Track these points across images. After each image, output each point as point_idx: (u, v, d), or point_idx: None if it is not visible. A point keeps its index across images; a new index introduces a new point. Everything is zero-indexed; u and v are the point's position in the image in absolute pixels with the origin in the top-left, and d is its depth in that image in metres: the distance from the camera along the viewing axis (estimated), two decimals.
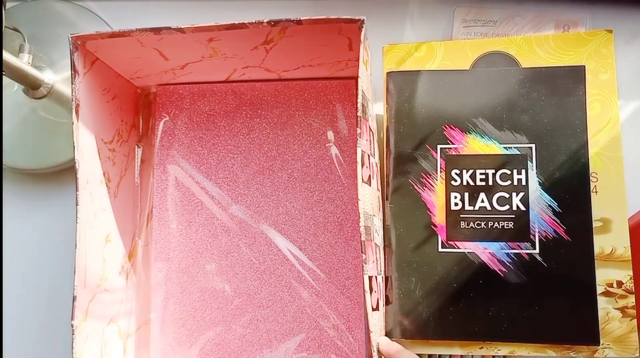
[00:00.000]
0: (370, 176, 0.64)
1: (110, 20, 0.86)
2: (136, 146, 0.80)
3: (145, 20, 0.86)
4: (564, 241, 0.71)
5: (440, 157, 0.74)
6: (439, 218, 0.73)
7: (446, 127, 0.74)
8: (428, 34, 0.84)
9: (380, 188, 0.73)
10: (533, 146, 0.73)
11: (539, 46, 0.75)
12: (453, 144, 0.74)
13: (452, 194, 0.73)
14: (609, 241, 0.71)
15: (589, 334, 0.69)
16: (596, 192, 0.71)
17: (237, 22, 0.62)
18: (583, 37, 0.75)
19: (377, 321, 0.61)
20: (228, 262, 0.77)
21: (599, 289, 0.69)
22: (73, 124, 0.64)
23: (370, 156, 0.66)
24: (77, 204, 0.64)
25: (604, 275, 0.70)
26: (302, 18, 0.61)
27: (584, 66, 0.73)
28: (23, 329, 0.82)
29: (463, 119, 0.74)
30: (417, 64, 0.77)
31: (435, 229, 0.73)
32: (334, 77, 0.78)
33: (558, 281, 0.70)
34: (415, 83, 0.76)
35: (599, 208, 0.71)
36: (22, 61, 0.78)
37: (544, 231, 0.71)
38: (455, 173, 0.73)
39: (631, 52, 0.81)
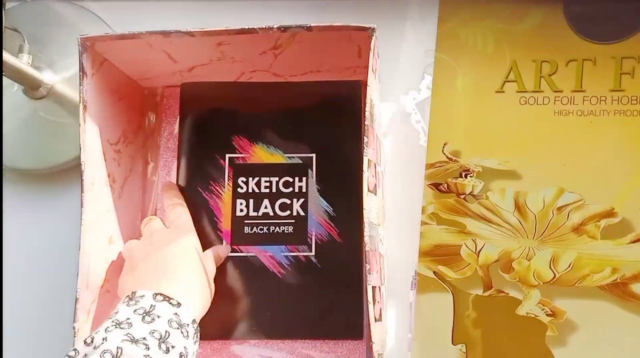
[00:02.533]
0: (376, 185, 0.64)
1: (110, 21, 0.85)
2: (142, 147, 0.80)
3: (145, 21, 0.86)
4: (336, 243, 0.73)
5: (229, 166, 0.76)
6: (225, 223, 0.75)
7: (235, 137, 0.77)
8: (428, 34, 0.84)
9: (383, 197, 0.73)
10: (314, 155, 0.75)
11: None
12: (241, 153, 0.76)
13: (238, 201, 0.75)
14: None
15: (354, 330, 0.71)
16: None
17: (246, 27, 0.62)
18: None
19: (379, 332, 0.61)
20: None
21: None
22: (80, 125, 0.64)
23: (377, 165, 0.66)
24: (81, 206, 0.64)
25: None
26: (312, 24, 0.61)
27: (360, 81, 0.74)
28: (23, 330, 0.82)
29: (251, 129, 0.77)
30: None
31: (220, 234, 0.75)
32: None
33: (330, 281, 0.72)
34: (207, 94, 0.78)
35: None
36: (21, 61, 0.77)
37: (320, 234, 0.74)
38: (242, 181, 0.76)
39: None
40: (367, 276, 0.57)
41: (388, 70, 0.82)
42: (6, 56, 0.73)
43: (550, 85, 0.52)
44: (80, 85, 0.65)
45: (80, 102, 0.65)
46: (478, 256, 0.55)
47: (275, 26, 0.62)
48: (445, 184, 0.58)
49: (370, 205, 0.59)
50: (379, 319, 0.61)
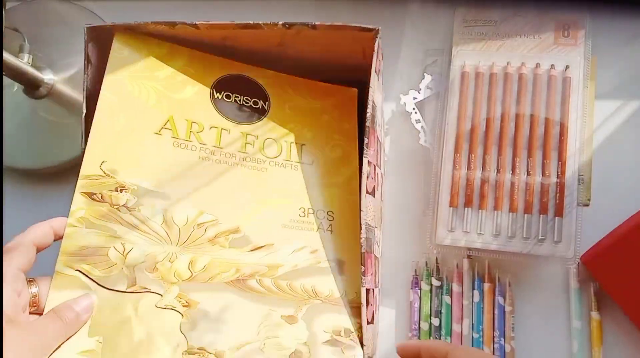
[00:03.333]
0: (374, 186, 0.65)
1: (110, 21, 0.85)
2: None
3: (145, 21, 0.86)
4: None
5: None
6: None
7: None
8: (428, 34, 0.84)
9: (382, 199, 0.73)
10: None
11: (290, 85, 0.74)
12: None
13: None
14: (341, 284, 0.64)
15: None
16: (332, 231, 0.67)
17: (251, 22, 0.63)
18: (330, 89, 0.75)
19: (370, 335, 0.62)
20: None
21: (324, 336, 0.60)
22: (82, 113, 0.64)
23: (377, 167, 0.66)
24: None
25: (331, 321, 0.62)
26: (317, 23, 0.62)
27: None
28: None
29: None
30: (154, 60, 0.70)
31: None
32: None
33: None
34: None
35: (333, 248, 0.66)
36: (22, 61, 0.78)
37: None
38: None
39: (631, 52, 0.81)
40: (362, 279, 0.58)
41: (388, 70, 0.82)
42: (6, 56, 0.74)
43: (198, 139, 0.67)
44: (84, 74, 0.64)
45: (83, 90, 0.64)
46: (125, 258, 0.60)
47: (280, 23, 0.62)
48: (100, 195, 0.61)
49: (368, 207, 0.60)
50: (370, 322, 0.61)
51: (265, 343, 0.59)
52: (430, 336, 0.75)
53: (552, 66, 0.77)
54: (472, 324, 0.75)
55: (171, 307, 0.59)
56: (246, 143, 0.69)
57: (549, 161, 0.74)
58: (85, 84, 0.64)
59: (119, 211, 0.61)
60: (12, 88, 0.83)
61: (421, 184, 0.80)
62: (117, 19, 0.85)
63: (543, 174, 0.74)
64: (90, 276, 0.58)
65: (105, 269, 0.59)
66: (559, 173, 0.74)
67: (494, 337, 0.74)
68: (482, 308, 0.75)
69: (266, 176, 0.68)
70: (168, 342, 0.57)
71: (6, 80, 0.80)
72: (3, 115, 0.81)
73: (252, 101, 0.71)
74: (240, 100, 0.71)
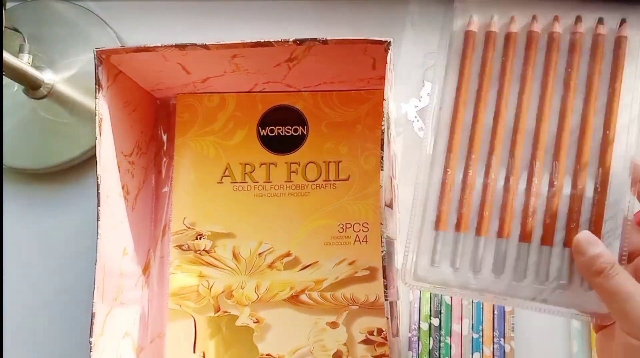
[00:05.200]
0: (392, 199, 0.65)
1: (110, 21, 0.85)
2: (154, 158, 0.81)
3: (145, 21, 0.86)
4: None
5: None
6: None
7: None
8: (428, 34, 0.84)
9: (399, 210, 0.74)
10: None
11: (324, 102, 0.80)
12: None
13: None
14: (374, 289, 0.75)
15: None
16: (367, 241, 0.76)
17: (262, 40, 0.62)
18: (363, 95, 0.79)
19: (396, 348, 0.62)
20: None
21: (359, 337, 0.74)
22: (96, 138, 0.64)
23: (392, 178, 0.67)
24: (98, 220, 0.64)
25: (366, 323, 0.75)
26: (328, 38, 0.61)
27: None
28: (22, 331, 0.81)
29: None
30: (208, 114, 0.80)
31: None
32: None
33: None
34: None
35: (367, 257, 0.76)
36: (22, 61, 0.77)
37: None
38: None
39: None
40: (385, 292, 0.58)
41: None
42: (6, 56, 0.73)
43: (251, 178, 0.78)
44: (95, 98, 0.64)
45: (95, 115, 0.64)
46: (210, 291, 0.76)
47: (291, 39, 0.62)
48: (186, 245, 0.77)
49: (387, 220, 0.59)
50: (396, 335, 0.62)
51: (313, 346, 0.74)
52: (430, 336, 0.76)
53: (600, 20, 0.54)
54: (472, 324, 0.75)
55: (246, 324, 0.75)
56: (290, 172, 0.78)
57: (584, 167, 0.52)
58: (97, 109, 0.64)
59: (201, 255, 0.77)
60: (12, 88, 0.82)
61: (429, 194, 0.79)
62: (118, 19, 0.85)
63: (574, 186, 0.52)
64: (189, 309, 0.76)
65: (198, 301, 0.76)
66: (598, 185, 0.52)
67: (493, 337, 0.75)
68: (482, 308, 0.76)
69: (308, 199, 0.78)
70: (247, 351, 0.75)
71: (6, 80, 0.79)
72: (3, 115, 0.81)
73: (292, 129, 0.79)
74: (282, 131, 0.79)
